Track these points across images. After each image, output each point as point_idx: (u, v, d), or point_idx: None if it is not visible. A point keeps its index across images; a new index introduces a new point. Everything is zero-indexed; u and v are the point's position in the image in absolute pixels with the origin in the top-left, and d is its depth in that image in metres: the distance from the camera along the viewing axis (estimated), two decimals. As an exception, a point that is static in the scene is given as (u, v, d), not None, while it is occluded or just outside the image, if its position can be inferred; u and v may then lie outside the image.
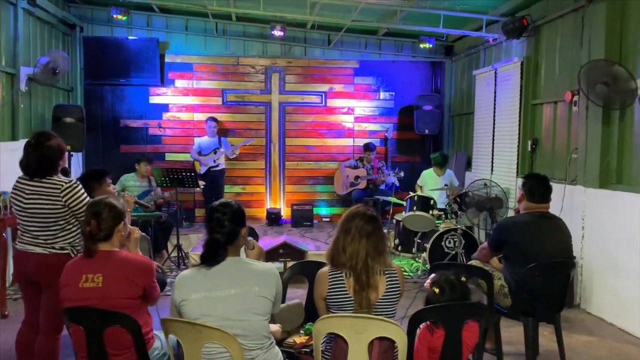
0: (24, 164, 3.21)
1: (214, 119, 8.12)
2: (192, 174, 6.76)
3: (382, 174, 8.14)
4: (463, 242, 6.00)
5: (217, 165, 8.00)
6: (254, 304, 2.39)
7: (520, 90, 6.50)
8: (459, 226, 6.04)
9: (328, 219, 8.69)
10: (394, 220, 7.01)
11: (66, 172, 3.55)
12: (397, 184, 8.28)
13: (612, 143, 5.01)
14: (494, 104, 7.15)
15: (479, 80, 7.67)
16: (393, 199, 6.99)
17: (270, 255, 6.15)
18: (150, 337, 2.67)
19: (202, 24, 8.39)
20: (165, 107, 8.58)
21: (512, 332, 4.28)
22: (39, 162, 3.17)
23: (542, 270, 3.49)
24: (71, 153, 7.09)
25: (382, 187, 8.22)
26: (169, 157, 8.63)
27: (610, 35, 4.96)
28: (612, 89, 4.65)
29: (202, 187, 7.21)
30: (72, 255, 3.18)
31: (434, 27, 7.09)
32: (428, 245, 6.17)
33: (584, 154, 5.26)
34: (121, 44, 8.13)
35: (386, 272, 2.65)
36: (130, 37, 8.21)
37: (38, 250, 3.17)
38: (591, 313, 5.14)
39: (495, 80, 7.11)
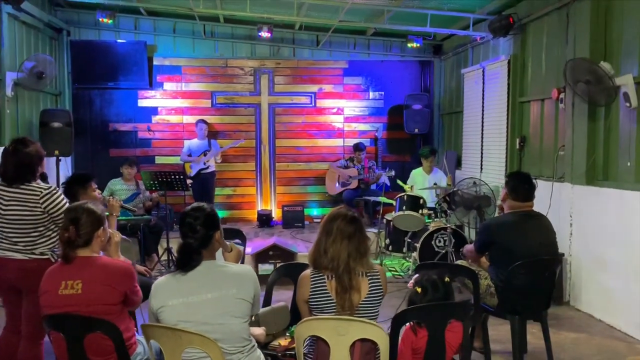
0: (2, 171, 3.19)
1: (204, 121, 8.10)
2: (181, 176, 6.73)
3: (374, 173, 8.15)
4: (453, 241, 6.01)
5: (207, 168, 7.97)
6: (232, 307, 2.38)
7: (508, 88, 6.52)
8: (448, 225, 6.05)
9: (319, 220, 8.65)
10: (384, 220, 7.00)
11: (44, 178, 3.52)
12: (388, 184, 8.28)
13: (598, 139, 5.03)
14: (482, 103, 7.17)
15: (467, 79, 7.68)
16: (383, 199, 6.98)
17: (260, 257, 6.15)
18: (132, 342, 2.66)
19: (190, 26, 8.36)
20: (154, 110, 8.55)
21: (500, 331, 4.29)
22: (17, 169, 3.15)
23: (527, 268, 3.50)
24: (59, 158, 7.05)
25: (373, 186, 8.23)
26: (159, 160, 8.60)
27: (595, 33, 4.97)
28: (596, 87, 4.67)
29: (190, 185, 7.15)
30: (53, 260, 3.17)
31: (422, 27, 7.10)
32: (418, 245, 6.16)
33: (570, 150, 5.27)
34: (108, 48, 8.10)
35: (368, 273, 2.64)
36: (118, 41, 8.17)
37: (18, 256, 3.16)
38: (580, 310, 5.15)
39: (483, 79, 7.12)
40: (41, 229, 3.18)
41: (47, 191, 3.18)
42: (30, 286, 3.04)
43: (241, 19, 8.02)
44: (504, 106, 6.60)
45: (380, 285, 2.65)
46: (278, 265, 6.10)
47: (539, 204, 5.63)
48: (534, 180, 3.79)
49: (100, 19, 7.27)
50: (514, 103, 6.45)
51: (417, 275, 2.96)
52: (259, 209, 8.66)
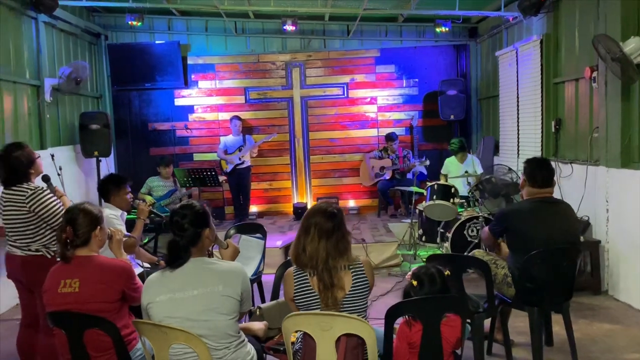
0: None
1: (238, 118, 8.20)
2: (213, 172, 6.86)
3: (409, 161, 8.02)
4: (486, 230, 5.82)
5: (242, 163, 8.08)
6: (217, 304, 2.40)
7: (541, 69, 6.23)
8: (481, 214, 5.87)
9: (355, 212, 8.63)
10: (417, 210, 6.88)
11: (47, 179, 3.70)
12: (425, 172, 8.14)
13: (633, 119, 4.73)
14: (517, 85, 6.89)
15: (502, 61, 7.40)
16: (415, 189, 6.86)
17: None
18: (132, 337, 2.73)
19: (221, 24, 8.47)
20: (190, 109, 8.74)
21: (526, 322, 4.12)
22: (7, 172, 3.38)
23: (544, 257, 3.35)
24: (99, 158, 7.35)
25: (409, 176, 8.10)
26: (197, 157, 8.79)
27: (626, 6, 4.67)
28: (622, 65, 4.39)
29: (223, 182, 7.28)
30: (48, 257, 3.37)
31: (451, 10, 6.89)
32: (450, 235, 6.03)
33: (604, 132, 4.99)
34: (144, 49, 8.33)
35: (351, 267, 2.56)
36: (156, 42, 8.38)
37: (18, 252, 3.40)
38: (619, 300, 4.89)
39: (517, 60, 6.84)
40: (32, 227, 3.37)
41: (33, 192, 3.35)
42: (32, 281, 3.26)
43: (271, 14, 8.05)
44: (538, 88, 6.32)
45: (365, 278, 2.57)
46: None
47: (575, 190, 5.43)
48: (552, 165, 3.61)
49: (130, 22, 7.47)
50: (548, 84, 6.16)
51: (414, 267, 2.89)
52: (295, 202, 8.71)
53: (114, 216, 4.05)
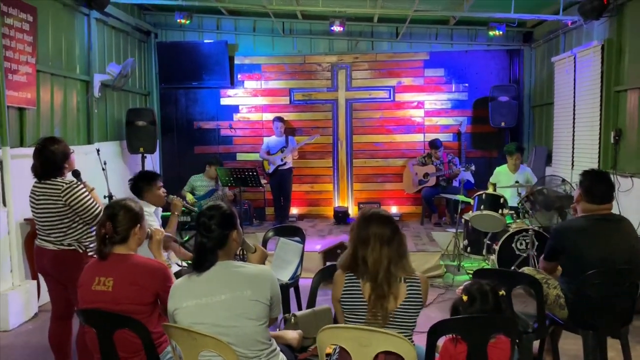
0: (32, 168, 3.41)
1: (280, 119, 8.14)
2: (254, 173, 6.81)
3: (455, 166, 7.76)
4: (536, 243, 5.53)
5: (284, 164, 8.01)
6: (246, 309, 2.29)
7: (602, 76, 5.89)
8: (531, 226, 5.58)
9: (397, 218, 8.41)
10: (463, 220, 6.62)
11: (77, 174, 3.69)
12: (472, 180, 7.85)
13: None
14: (574, 93, 6.56)
15: (558, 68, 7.06)
16: (462, 197, 6.60)
17: (328, 255, 6.07)
18: (162, 340, 2.65)
19: (269, 24, 8.44)
20: (235, 108, 8.74)
21: (579, 345, 3.85)
22: (43, 165, 3.37)
23: (602, 278, 3.10)
24: (144, 155, 7.42)
25: (455, 183, 7.84)
26: (240, 157, 8.78)
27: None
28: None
29: (264, 185, 7.25)
30: (80, 251, 3.35)
31: (506, 13, 6.62)
32: (497, 247, 5.76)
33: (671, 145, 4.65)
34: (192, 48, 8.38)
35: (407, 279, 2.44)
36: (204, 41, 8.41)
37: (51, 246, 3.37)
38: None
39: (575, 67, 6.50)
40: (66, 221, 3.34)
41: (68, 185, 3.34)
42: (64, 276, 3.25)
43: (319, 15, 7.96)
44: (597, 96, 5.98)
45: (419, 294, 2.45)
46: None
47: (635, 206, 5.08)
48: (612, 180, 3.34)
49: (179, 20, 7.52)
50: (609, 92, 5.82)
51: (467, 282, 2.70)
52: (336, 205, 8.58)
53: (147, 213, 4.02)
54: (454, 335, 2.43)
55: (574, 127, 6.60)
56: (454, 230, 6.94)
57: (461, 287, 2.65)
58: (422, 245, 6.63)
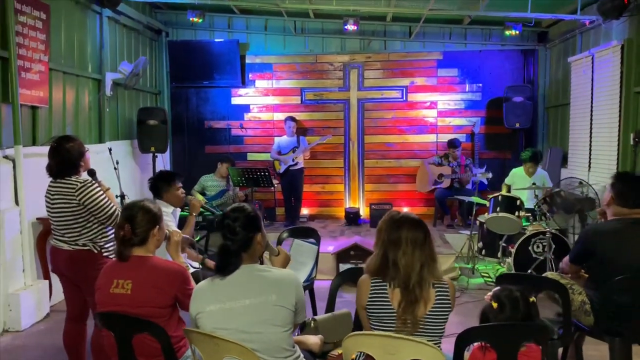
0: (47, 167, 3.36)
1: (292, 118, 8.08)
2: (266, 173, 6.76)
3: (470, 172, 7.67)
4: (553, 246, 5.43)
5: (295, 164, 7.94)
6: (271, 315, 2.22)
7: (621, 77, 5.78)
8: (548, 229, 5.48)
9: (409, 219, 8.31)
10: (478, 222, 6.53)
11: (93, 173, 3.63)
12: (486, 182, 7.76)
13: None
14: (591, 94, 6.45)
15: (574, 68, 6.96)
16: (476, 199, 6.51)
17: (341, 256, 5.99)
18: (182, 345, 2.59)
19: (280, 23, 8.38)
20: (246, 108, 8.68)
21: (601, 351, 3.76)
22: (58, 164, 3.31)
23: (632, 283, 3.01)
24: (155, 154, 7.37)
25: (469, 185, 7.75)
26: (251, 157, 8.72)
27: None
28: None
29: (275, 185, 7.20)
30: (95, 252, 3.28)
31: (522, 12, 6.53)
32: (513, 250, 5.67)
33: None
34: (203, 47, 8.33)
35: (436, 285, 2.37)
36: (216, 40, 8.36)
37: (65, 246, 3.31)
38: None
39: (592, 67, 6.40)
40: (81, 221, 3.28)
41: (82, 184, 3.27)
42: (78, 276, 3.19)
43: (331, 13, 7.89)
44: (616, 97, 5.87)
45: (448, 299, 2.37)
46: (359, 265, 5.92)
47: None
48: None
49: (191, 19, 7.47)
50: (628, 93, 5.71)
51: (497, 288, 2.62)
52: (347, 206, 8.50)
53: (165, 213, 3.96)
54: (482, 343, 2.35)
55: (591, 128, 6.50)
56: (466, 232, 6.85)
57: (490, 294, 2.57)
58: (437, 248, 6.34)
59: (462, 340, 2.28)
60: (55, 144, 3.36)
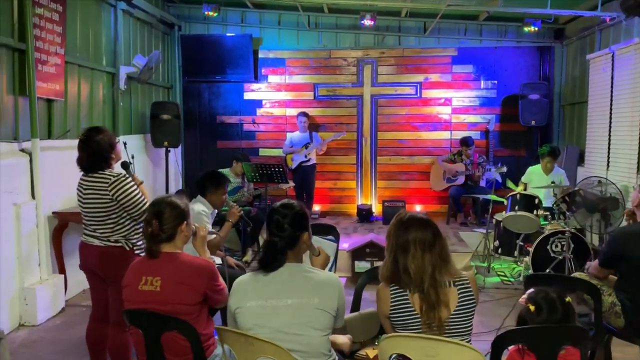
0: (78, 161, 3.25)
1: (304, 114, 8.02)
2: (281, 169, 6.70)
3: (482, 169, 7.59)
4: (572, 246, 5.35)
5: (308, 160, 7.90)
6: (312, 317, 2.17)
7: (643, 75, 5.70)
8: (567, 228, 5.40)
9: (422, 217, 8.25)
10: (494, 220, 6.46)
11: (126, 166, 3.56)
12: (500, 180, 7.68)
13: None
14: (611, 91, 6.36)
15: (593, 65, 6.87)
16: (493, 197, 6.43)
17: (357, 254, 5.93)
18: (210, 343, 2.55)
19: (294, 17, 8.31)
20: (259, 103, 8.62)
21: (627, 353, 3.71)
22: (89, 157, 3.20)
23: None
24: (168, 149, 7.33)
25: (482, 184, 7.68)
26: (263, 152, 8.67)
27: None
28: None
29: (290, 183, 7.15)
30: (127, 248, 3.18)
31: (541, 9, 6.44)
32: (531, 249, 5.59)
33: None
34: (216, 41, 8.27)
35: (457, 282, 2.30)
36: (229, 35, 8.31)
37: (97, 242, 3.20)
38: None
39: (613, 65, 6.31)
40: (114, 216, 3.18)
41: (116, 178, 3.16)
42: (108, 273, 3.08)
43: (345, 8, 7.81)
44: (637, 95, 5.79)
45: (471, 295, 2.31)
46: (375, 263, 5.86)
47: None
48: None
49: (206, 12, 7.42)
50: (651, 91, 5.63)
51: (531, 290, 2.55)
52: (359, 203, 8.45)
53: (204, 213, 3.96)
54: (520, 346, 2.30)
55: (610, 126, 6.42)
56: (481, 230, 6.78)
57: (524, 297, 2.51)
58: (452, 246, 6.48)
59: (500, 343, 2.23)
60: (84, 136, 3.24)
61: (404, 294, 2.29)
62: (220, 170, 7.08)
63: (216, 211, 4.12)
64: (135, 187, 3.21)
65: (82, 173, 3.28)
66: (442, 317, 2.23)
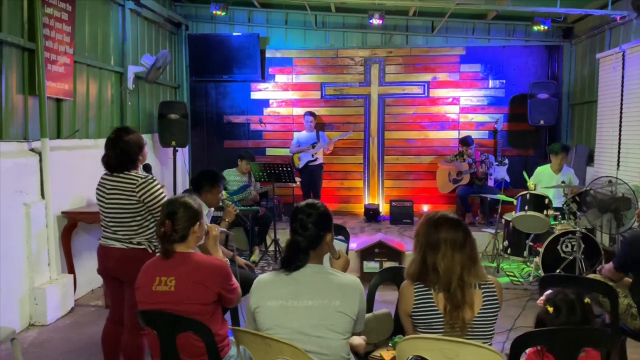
0: (105, 159, 3.21)
1: (311, 114, 7.99)
2: (289, 168, 6.68)
3: (486, 165, 7.54)
4: (582, 246, 5.33)
5: (315, 160, 7.87)
6: (332, 320, 2.15)
7: (655, 74, 5.66)
8: (577, 228, 5.37)
9: (430, 217, 8.21)
10: (503, 220, 6.43)
11: (148, 169, 3.53)
12: (507, 180, 7.64)
13: None
14: (622, 91, 6.31)
15: (603, 65, 6.82)
16: (502, 197, 6.39)
17: (366, 254, 5.92)
18: (225, 344, 2.54)
19: (301, 17, 8.28)
20: (265, 103, 8.60)
21: (641, 355, 3.68)
22: (118, 157, 3.16)
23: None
24: (176, 148, 7.32)
25: (490, 183, 7.64)
26: (270, 152, 8.65)
27: None
28: None
29: (298, 183, 7.13)
30: (149, 251, 3.15)
31: (551, 7, 6.40)
32: (542, 249, 5.56)
33: None
34: (223, 41, 8.25)
35: (482, 285, 2.29)
36: (236, 34, 8.28)
37: (118, 245, 3.16)
38: None
39: (623, 64, 6.26)
40: (138, 218, 3.15)
41: (144, 180, 3.14)
42: (128, 276, 3.02)
43: (353, 7, 7.78)
44: (648, 94, 5.75)
45: (496, 299, 2.29)
46: (384, 263, 5.84)
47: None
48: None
49: (214, 12, 7.40)
50: (662, 90, 5.58)
51: (549, 291, 2.52)
52: (366, 203, 8.42)
53: None
54: (539, 348, 2.27)
55: (620, 126, 6.37)
56: (489, 230, 6.75)
57: (542, 298, 2.49)
58: None
59: (519, 345, 2.21)
60: (113, 135, 3.21)
61: (429, 292, 2.28)
62: (226, 170, 7.15)
63: (212, 210, 4.05)
64: (162, 189, 3.18)
65: (104, 172, 3.24)
66: (466, 318, 2.21)
